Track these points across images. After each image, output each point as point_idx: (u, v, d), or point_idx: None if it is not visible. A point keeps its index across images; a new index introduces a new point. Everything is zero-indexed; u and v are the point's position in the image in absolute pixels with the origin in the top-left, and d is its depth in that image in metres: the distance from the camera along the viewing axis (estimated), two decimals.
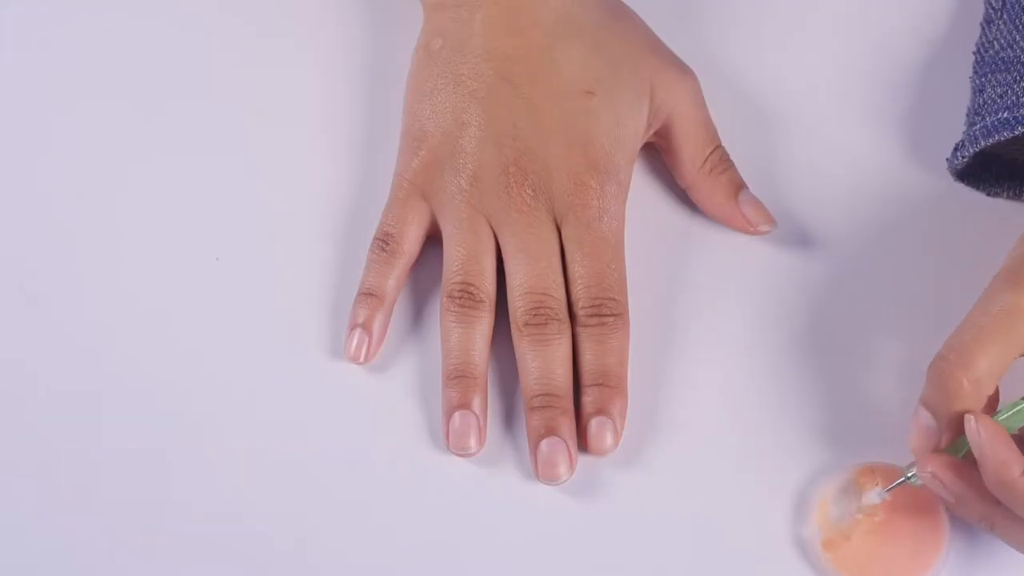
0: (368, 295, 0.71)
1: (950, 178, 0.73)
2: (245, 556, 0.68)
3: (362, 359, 0.71)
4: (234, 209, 0.75)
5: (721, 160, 0.73)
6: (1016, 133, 0.69)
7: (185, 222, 0.74)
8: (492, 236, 0.71)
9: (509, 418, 0.70)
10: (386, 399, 0.71)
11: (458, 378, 0.69)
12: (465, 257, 0.70)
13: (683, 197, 0.75)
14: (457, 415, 0.69)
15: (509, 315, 0.70)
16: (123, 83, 0.77)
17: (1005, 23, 0.72)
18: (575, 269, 0.70)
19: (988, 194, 0.73)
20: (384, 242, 0.71)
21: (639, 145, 0.73)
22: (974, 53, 0.73)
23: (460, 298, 0.70)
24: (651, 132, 0.73)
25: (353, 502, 0.69)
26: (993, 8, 0.73)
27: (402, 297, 0.73)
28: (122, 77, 0.77)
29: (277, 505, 0.69)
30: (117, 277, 0.73)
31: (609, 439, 0.68)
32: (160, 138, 0.76)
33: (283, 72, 0.77)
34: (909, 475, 0.66)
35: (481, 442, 0.69)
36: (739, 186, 0.73)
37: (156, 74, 0.77)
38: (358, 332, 0.71)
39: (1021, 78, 0.70)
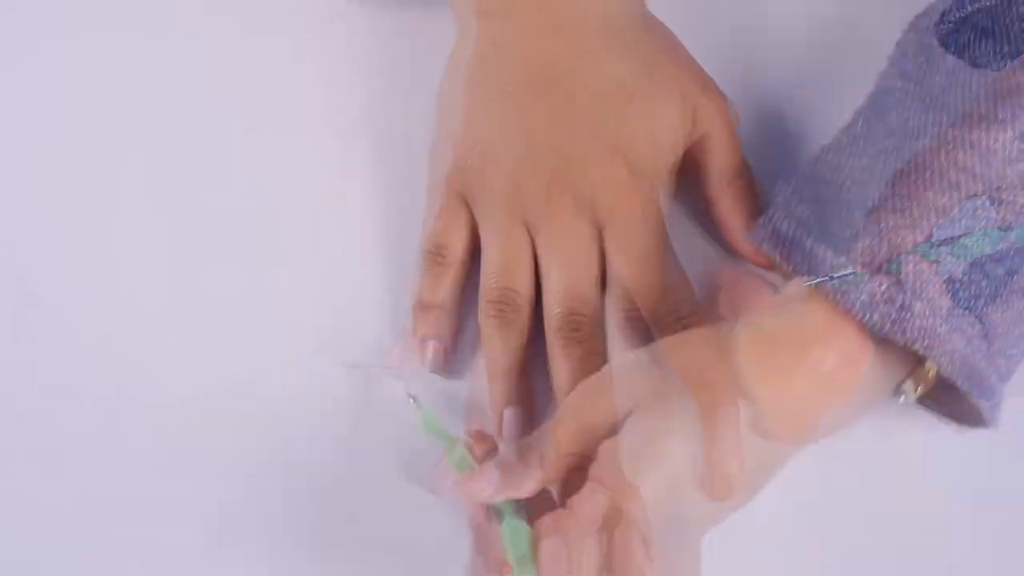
0: (428, 307, 0.71)
1: None
2: (244, 555, 0.69)
3: (440, 369, 0.71)
4: (234, 209, 0.75)
5: (746, 186, 0.72)
6: None
7: (185, 222, 0.75)
8: (530, 242, 0.71)
9: None
10: (384, 399, 0.71)
11: (503, 375, 0.70)
12: (503, 263, 0.70)
13: (683, 198, 0.74)
14: (508, 412, 0.69)
15: (544, 321, 0.70)
16: (125, 84, 0.78)
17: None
18: (619, 272, 0.70)
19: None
20: (438, 254, 0.72)
21: (680, 151, 0.72)
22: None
23: (498, 303, 0.70)
24: (688, 145, 0.72)
25: (351, 501, 0.69)
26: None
27: (405, 299, 0.73)
28: (123, 78, 0.78)
29: (276, 504, 0.69)
30: (117, 277, 0.74)
31: None
32: (160, 138, 0.76)
33: (283, 72, 0.77)
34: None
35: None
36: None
37: (157, 76, 0.78)
38: (431, 343, 0.71)
39: None
